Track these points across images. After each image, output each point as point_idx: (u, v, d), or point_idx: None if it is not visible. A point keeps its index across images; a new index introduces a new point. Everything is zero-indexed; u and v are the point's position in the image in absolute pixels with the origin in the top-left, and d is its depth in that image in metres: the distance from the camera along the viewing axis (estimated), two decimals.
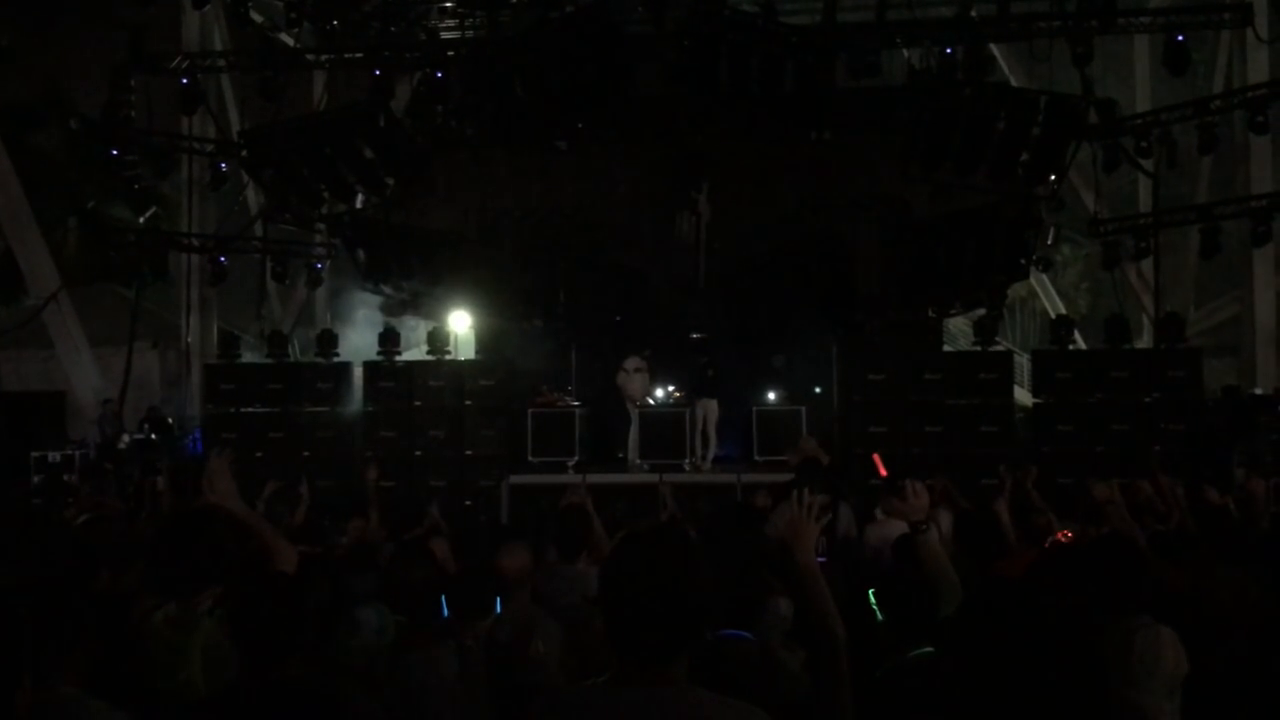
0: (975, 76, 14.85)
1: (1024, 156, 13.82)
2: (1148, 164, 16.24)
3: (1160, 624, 3.97)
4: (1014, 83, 18.91)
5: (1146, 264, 17.25)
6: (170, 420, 16.67)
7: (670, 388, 14.88)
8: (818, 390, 15.64)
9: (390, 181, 15.53)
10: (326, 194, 15.94)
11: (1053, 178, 14.63)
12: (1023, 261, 14.40)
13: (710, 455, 14.29)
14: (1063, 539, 5.99)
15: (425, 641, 4.15)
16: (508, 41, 15.62)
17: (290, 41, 17.52)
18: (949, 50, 14.96)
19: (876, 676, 3.56)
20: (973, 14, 15.70)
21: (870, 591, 3.85)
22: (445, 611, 4.16)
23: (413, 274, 15.33)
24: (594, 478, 12.94)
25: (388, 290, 16.18)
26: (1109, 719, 3.80)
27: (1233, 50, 16.89)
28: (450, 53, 16.39)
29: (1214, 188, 18.46)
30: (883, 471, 5.72)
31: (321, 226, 17.41)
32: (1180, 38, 14.79)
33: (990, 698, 3.29)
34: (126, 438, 16.27)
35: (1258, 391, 15.39)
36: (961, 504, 7.92)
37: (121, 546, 4.59)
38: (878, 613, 3.73)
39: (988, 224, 13.79)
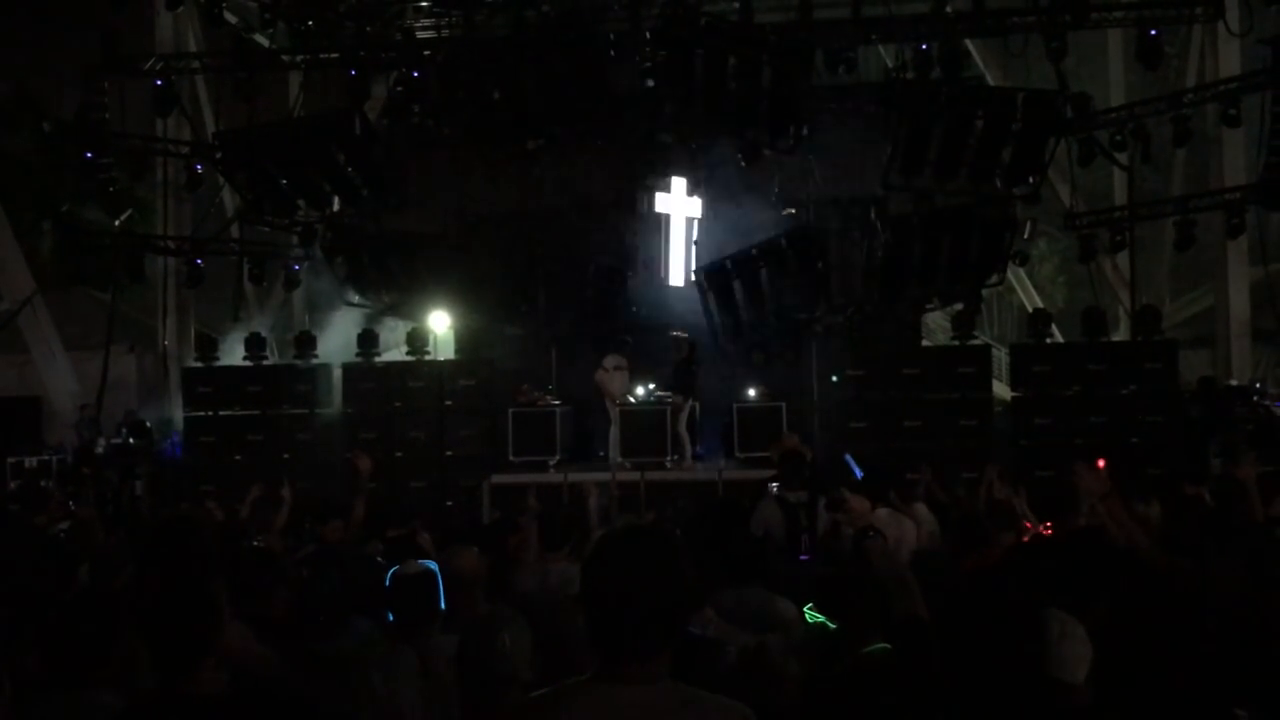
0: (951, 73, 14.90)
1: (1004, 154, 13.85)
2: (1122, 157, 16.37)
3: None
4: (989, 78, 18.96)
5: (1122, 257, 17.37)
6: (148, 424, 16.55)
7: (651, 385, 14.86)
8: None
9: (365, 191, 15.43)
10: (301, 203, 15.85)
11: (1031, 180, 14.66)
12: (1000, 261, 14.46)
13: (688, 452, 14.27)
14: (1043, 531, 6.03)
15: (394, 642, 4.14)
16: (484, 42, 15.58)
17: (265, 42, 17.39)
18: (924, 46, 15.02)
19: (831, 675, 3.60)
20: (948, 9, 15.74)
21: (806, 608, 3.92)
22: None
23: (392, 281, 15.27)
24: (575, 476, 12.91)
25: (369, 300, 16.11)
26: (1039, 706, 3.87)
27: (1205, 44, 16.99)
28: (426, 53, 16.31)
29: (1188, 180, 18.60)
30: (857, 474, 5.75)
31: (299, 228, 17.28)
32: (1153, 32, 14.90)
33: (943, 692, 3.31)
34: (104, 442, 16.16)
35: (1233, 382, 15.52)
36: (943, 498, 7.97)
37: (109, 550, 4.59)
38: (827, 623, 3.79)
39: (965, 224, 13.83)
